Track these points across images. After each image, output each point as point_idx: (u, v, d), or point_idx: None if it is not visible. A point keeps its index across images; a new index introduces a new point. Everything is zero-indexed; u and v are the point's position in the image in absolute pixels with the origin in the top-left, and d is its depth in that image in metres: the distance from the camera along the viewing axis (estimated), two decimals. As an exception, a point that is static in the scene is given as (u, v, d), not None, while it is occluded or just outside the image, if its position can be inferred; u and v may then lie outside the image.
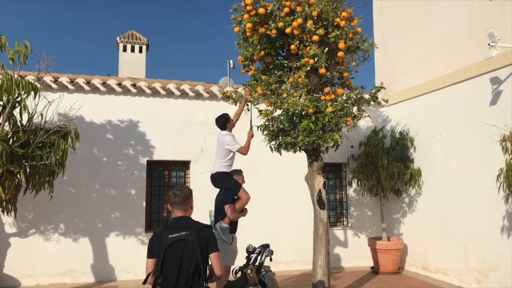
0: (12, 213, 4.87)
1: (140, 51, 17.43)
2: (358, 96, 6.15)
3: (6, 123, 4.15)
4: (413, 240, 8.39)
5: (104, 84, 7.83)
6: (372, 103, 7.42)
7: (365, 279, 7.77)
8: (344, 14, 5.68)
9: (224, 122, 5.68)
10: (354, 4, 6.03)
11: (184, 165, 8.50)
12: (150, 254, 3.12)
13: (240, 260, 4.82)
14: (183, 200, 3.23)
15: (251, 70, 6.20)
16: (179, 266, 3.03)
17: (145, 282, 3.11)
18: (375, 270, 8.35)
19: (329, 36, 5.63)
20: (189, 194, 3.30)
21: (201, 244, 3.07)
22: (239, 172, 5.71)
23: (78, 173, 7.40)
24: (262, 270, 4.50)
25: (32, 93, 4.16)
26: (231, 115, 5.87)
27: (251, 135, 5.78)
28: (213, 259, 3.12)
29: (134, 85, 8.01)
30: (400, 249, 8.29)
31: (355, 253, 8.89)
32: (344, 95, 5.96)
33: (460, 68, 7.24)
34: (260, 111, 6.27)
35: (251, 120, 6.10)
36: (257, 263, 4.54)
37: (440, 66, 7.80)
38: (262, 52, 5.92)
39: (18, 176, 4.32)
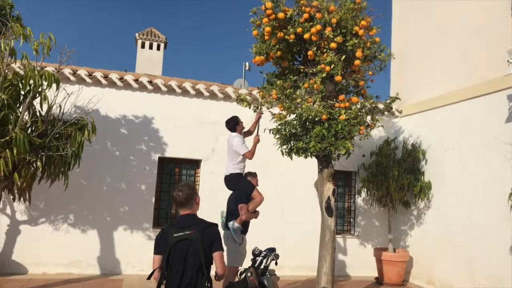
0: (26, 201, 4.96)
1: (158, 48, 17.59)
2: (372, 105, 6.15)
3: (26, 113, 4.25)
4: (419, 252, 8.34)
5: (121, 79, 7.93)
6: (386, 113, 7.43)
7: (368, 289, 7.75)
8: (363, 23, 5.69)
9: (233, 125, 5.74)
10: (374, 13, 6.05)
11: (195, 164, 8.56)
12: (156, 251, 3.16)
13: (248, 261, 4.85)
14: (186, 199, 3.22)
15: (257, 62, 6.09)
16: (183, 265, 3.05)
17: (149, 277, 3.15)
18: (379, 281, 8.32)
19: (347, 44, 5.64)
20: (192, 193, 3.28)
21: (204, 243, 3.07)
22: (253, 174, 5.76)
23: (91, 166, 7.50)
24: (267, 273, 4.52)
25: (54, 85, 4.25)
26: (243, 117, 5.93)
27: (257, 140, 5.83)
28: (215, 258, 3.12)
29: (150, 82, 8.10)
30: (406, 261, 8.25)
31: (360, 263, 8.85)
32: (359, 103, 5.97)
33: (477, 83, 7.20)
34: (273, 114, 6.31)
35: (258, 126, 6.14)
36: (262, 266, 4.56)
37: (456, 80, 7.76)
38: (279, 52, 5.94)
39: (35, 165, 4.41)
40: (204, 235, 3.09)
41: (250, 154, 5.61)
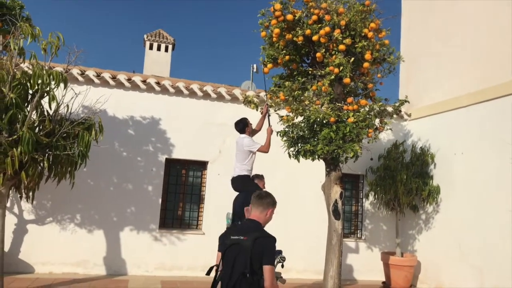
0: (29, 200, 4.99)
1: (166, 50, 17.66)
2: (381, 108, 6.11)
3: (34, 112, 4.26)
4: (427, 257, 8.25)
5: (129, 80, 7.95)
6: (395, 116, 7.36)
7: (375, 294, 7.67)
8: (372, 25, 5.66)
9: (243, 126, 5.72)
10: (383, 16, 6.01)
11: (201, 166, 8.55)
12: (219, 248, 3.48)
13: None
14: (263, 204, 3.31)
15: (267, 67, 6.12)
16: (231, 266, 3.13)
17: (208, 273, 3.32)
18: (386, 285, 8.24)
19: (356, 46, 5.62)
20: (271, 202, 3.37)
21: (254, 252, 3.06)
22: (261, 176, 5.73)
23: (98, 166, 7.51)
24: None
25: (62, 84, 4.26)
26: (251, 119, 5.90)
27: (270, 132, 5.78)
28: (264, 271, 3.08)
29: (158, 83, 8.11)
30: (414, 266, 8.16)
31: (367, 267, 8.78)
32: (367, 106, 5.93)
33: (487, 86, 7.12)
34: (280, 117, 6.28)
35: (269, 117, 6.07)
36: None
37: (465, 83, 7.68)
38: (287, 57, 5.93)
39: (41, 164, 4.42)
40: (255, 244, 3.08)
41: (265, 148, 5.58)
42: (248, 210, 5.26)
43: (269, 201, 3.35)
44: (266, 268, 3.06)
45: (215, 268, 3.27)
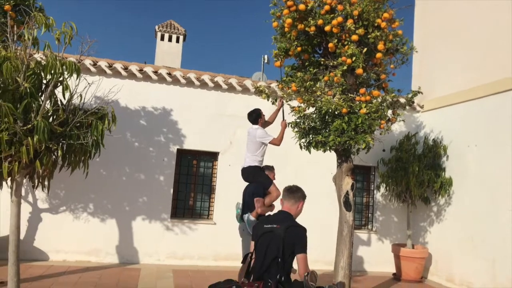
0: (45, 189, 5.06)
1: (177, 41, 17.65)
2: (394, 99, 6.05)
3: (48, 101, 4.31)
4: (438, 249, 8.21)
5: (140, 71, 7.98)
6: (407, 107, 7.29)
7: (386, 285, 7.67)
8: (385, 15, 5.59)
9: (256, 117, 5.71)
10: (396, 6, 5.93)
11: (212, 156, 8.58)
12: (252, 237, 3.57)
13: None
14: (295, 197, 3.51)
15: (280, 61, 6.11)
16: (264, 253, 3.30)
17: (243, 261, 3.55)
18: (397, 277, 8.23)
19: (369, 36, 5.55)
20: (302, 196, 3.57)
21: (286, 240, 3.23)
22: (271, 168, 5.74)
23: (110, 156, 7.58)
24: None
25: (75, 74, 4.29)
26: (263, 110, 5.89)
27: (284, 126, 5.80)
28: (297, 259, 3.25)
29: (169, 74, 8.14)
30: (425, 258, 8.14)
31: (377, 258, 8.77)
32: (380, 97, 5.87)
33: (501, 77, 7.01)
34: (292, 107, 6.26)
35: (283, 112, 6.08)
36: None
37: (479, 74, 7.57)
38: (299, 48, 5.89)
39: (56, 153, 4.48)
40: (288, 233, 3.26)
41: (278, 141, 5.60)
42: (258, 201, 5.28)
43: (300, 195, 3.56)
44: (300, 257, 3.23)
45: (249, 255, 3.45)
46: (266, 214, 5.43)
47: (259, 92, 6.59)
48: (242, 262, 3.51)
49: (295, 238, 3.26)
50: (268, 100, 6.49)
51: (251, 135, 5.62)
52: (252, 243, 3.51)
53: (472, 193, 7.46)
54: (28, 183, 6.23)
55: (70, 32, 4.28)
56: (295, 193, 3.55)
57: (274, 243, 3.26)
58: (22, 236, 7.18)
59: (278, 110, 6.13)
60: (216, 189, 8.39)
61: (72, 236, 7.55)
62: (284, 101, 6.17)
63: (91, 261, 7.56)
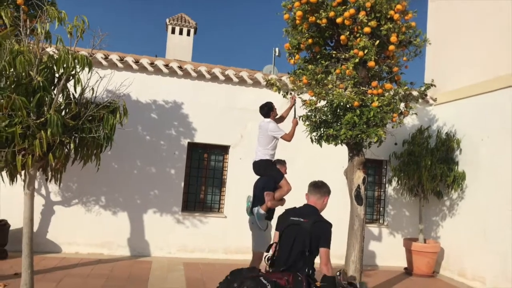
0: (57, 182, 5.11)
1: (188, 34, 17.64)
2: (406, 92, 5.98)
3: (60, 95, 4.33)
4: (450, 244, 8.14)
5: (152, 64, 7.99)
6: (420, 100, 7.20)
7: (397, 279, 7.63)
8: (398, 6, 5.51)
9: (268, 110, 5.69)
10: (410, -3, 5.84)
11: (223, 150, 8.59)
12: (276, 227, 3.66)
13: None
14: (321, 192, 3.70)
15: (294, 58, 6.11)
16: (290, 245, 3.42)
17: (268, 250, 3.57)
18: (408, 271, 8.19)
19: (381, 28, 5.48)
20: (327, 191, 3.77)
21: (313, 235, 3.37)
22: (283, 162, 5.72)
23: (122, 150, 7.63)
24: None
25: (86, 67, 4.31)
26: (274, 103, 5.87)
27: (296, 123, 5.78)
28: (321, 253, 3.38)
29: (180, 67, 8.14)
30: (437, 253, 8.08)
31: (389, 252, 8.73)
32: (392, 90, 5.81)
33: (517, 70, 6.89)
34: (303, 101, 6.22)
35: (295, 109, 6.07)
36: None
37: (493, 67, 7.44)
38: (310, 40, 5.84)
39: (68, 146, 4.51)
40: (315, 227, 3.40)
41: (289, 136, 5.57)
42: (268, 194, 5.28)
43: (325, 190, 3.75)
44: (323, 251, 3.36)
45: (273, 245, 3.54)
46: (284, 207, 5.42)
47: (270, 85, 6.57)
48: (266, 251, 3.59)
49: (321, 233, 3.39)
50: (279, 93, 6.45)
51: (262, 128, 5.60)
52: (276, 233, 3.61)
53: (485, 187, 7.37)
54: (41, 176, 6.29)
55: (82, 25, 4.29)
56: (321, 188, 3.71)
57: (301, 236, 3.37)
58: (35, 229, 7.27)
59: (290, 108, 6.10)
60: (226, 182, 8.40)
61: (85, 228, 7.63)
62: (296, 98, 6.13)
63: (103, 254, 7.64)
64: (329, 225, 3.48)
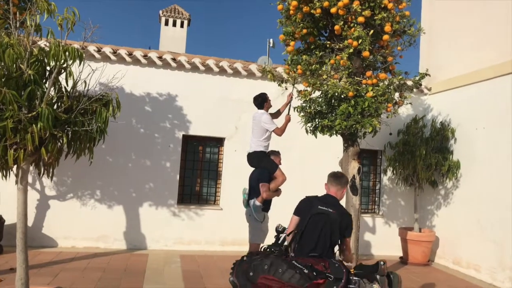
0: (50, 177, 5.07)
1: (182, 25, 17.50)
2: (401, 82, 5.97)
3: (52, 88, 4.28)
4: (445, 233, 8.19)
5: (145, 56, 7.92)
6: (414, 90, 7.19)
7: (393, 268, 7.67)
8: (392, -4, 5.48)
9: (261, 101, 5.65)
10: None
11: (218, 142, 8.57)
12: (297, 213, 3.79)
13: (271, 238, 4.85)
14: (341, 183, 3.85)
15: (290, 46, 6.06)
16: (318, 234, 3.57)
17: (289, 234, 3.73)
18: (403, 260, 8.24)
19: (375, 18, 5.46)
20: (347, 182, 4.01)
21: (341, 226, 3.62)
22: (277, 153, 5.69)
23: (116, 143, 7.59)
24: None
25: (78, 60, 4.25)
26: (269, 94, 5.83)
27: (288, 119, 5.74)
28: (346, 242, 3.71)
29: (174, 59, 8.08)
30: (432, 241, 8.13)
31: (384, 242, 8.78)
32: (387, 80, 5.80)
33: (510, 59, 6.88)
34: (298, 91, 6.19)
35: (290, 106, 6.02)
36: (286, 243, 4.54)
37: (488, 56, 7.44)
38: (304, 31, 5.81)
39: (61, 140, 4.46)
40: (343, 219, 3.64)
41: (280, 131, 5.52)
42: (263, 186, 5.26)
43: (345, 181, 3.92)
44: (348, 240, 3.69)
45: (292, 233, 3.70)
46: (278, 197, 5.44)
47: (265, 72, 6.51)
48: (287, 234, 3.77)
49: (348, 224, 3.66)
50: (274, 81, 6.42)
51: (256, 119, 5.57)
52: (295, 218, 3.74)
53: (479, 175, 7.40)
54: (34, 170, 6.25)
55: (73, 17, 4.21)
56: (341, 179, 3.87)
57: (331, 226, 3.57)
58: (30, 223, 7.26)
59: (287, 104, 6.05)
60: (222, 174, 8.39)
61: (80, 222, 7.61)
62: (293, 96, 6.08)
63: (100, 247, 7.63)
64: (351, 217, 3.78)
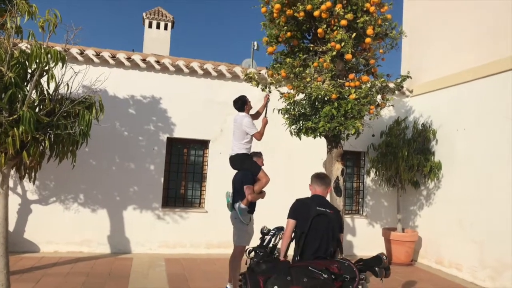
0: (32, 181, 5.01)
1: (166, 28, 17.45)
2: (383, 84, 6.04)
3: (34, 91, 4.23)
4: (428, 233, 8.32)
5: (128, 59, 7.88)
6: (396, 92, 7.29)
7: (377, 269, 7.75)
8: (374, -1, 5.55)
9: (241, 104, 5.65)
10: (385, -10, 5.88)
11: (203, 144, 8.56)
12: (293, 216, 3.81)
13: (256, 240, 4.87)
14: (326, 183, 3.96)
15: (272, 47, 6.07)
16: (320, 235, 3.68)
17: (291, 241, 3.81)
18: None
19: (358, 21, 5.52)
20: (330, 181, 4.19)
21: (338, 224, 3.81)
22: (259, 154, 5.71)
23: (100, 146, 7.52)
24: (276, 252, 4.52)
25: (60, 63, 4.22)
26: (251, 97, 5.84)
27: (265, 122, 5.77)
28: (340, 238, 3.86)
29: (158, 62, 8.05)
30: (415, 241, 8.25)
31: (368, 242, 8.85)
32: (369, 82, 5.87)
33: (489, 61, 7.04)
34: (281, 93, 6.23)
35: (266, 109, 6.04)
36: (270, 245, 4.56)
37: (468, 58, 7.60)
38: (288, 33, 5.85)
39: (43, 143, 4.42)
40: (339, 218, 3.84)
41: (259, 135, 5.54)
42: (248, 188, 5.27)
43: (328, 181, 4.04)
44: (342, 236, 3.89)
45: (286, 235, 3.82)
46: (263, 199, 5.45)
47: (248, 79, 6.55)
48: (291, 239, 3.86)
49: (342, 221, 3.90)
50: (257, 87, 6.45)
51: (237, 122, 5.57)
52: (291, 221, 3.78)
53: (460, 176, 7.54)
54: (15, 174, 6.16)
55: (54, 19, 4.19)
56: (326, 179, 3.99)
57: (332, 226, 3.71)
58: (11, 228, 7.14)
59: (264, 106, 6.06)
60: (207, 177, 8.38)
61: (63, 227, 7.51)
62: (269, 97, 6.10)
63: (83, 252, 7.54)
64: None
